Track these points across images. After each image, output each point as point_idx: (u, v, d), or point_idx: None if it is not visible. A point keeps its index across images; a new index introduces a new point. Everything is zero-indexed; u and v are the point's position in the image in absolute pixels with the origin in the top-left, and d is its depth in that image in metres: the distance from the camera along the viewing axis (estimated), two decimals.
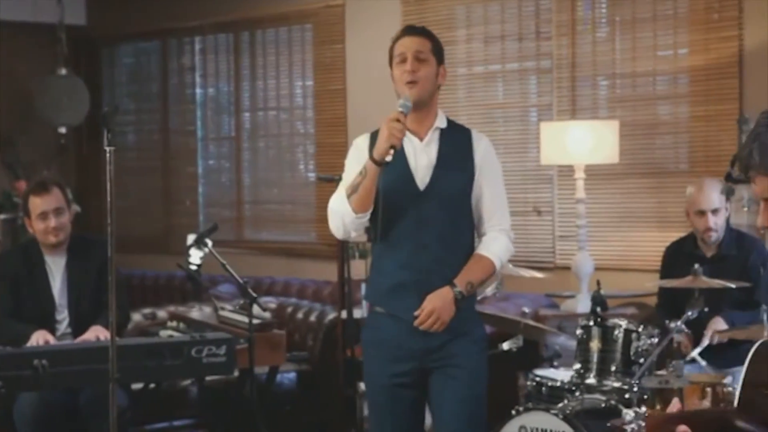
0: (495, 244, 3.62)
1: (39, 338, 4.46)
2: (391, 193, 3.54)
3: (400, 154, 3.49)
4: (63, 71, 8.19)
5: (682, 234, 5.09)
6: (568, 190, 6.17)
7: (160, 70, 8.61)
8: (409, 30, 3.65)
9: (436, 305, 3.48)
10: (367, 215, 3.53)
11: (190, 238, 4.95)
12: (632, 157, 6.16)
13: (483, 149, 3.64)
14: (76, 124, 8.32)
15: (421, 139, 3.59)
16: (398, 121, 3.39)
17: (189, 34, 8.29)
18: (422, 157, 3.58)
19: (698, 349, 4.41)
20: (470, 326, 3.63)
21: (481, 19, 6.79)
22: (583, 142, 5.68)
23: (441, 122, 3.63)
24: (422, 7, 6.98)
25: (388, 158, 3.38)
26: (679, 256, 4.85)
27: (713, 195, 4.77)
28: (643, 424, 2.07)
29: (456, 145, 3.62)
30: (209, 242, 4.90)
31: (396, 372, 3.58)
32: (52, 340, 4.49)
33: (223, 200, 8.30)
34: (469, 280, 3.54)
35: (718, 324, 4.52)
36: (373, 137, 3.54)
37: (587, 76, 6.37)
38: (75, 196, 7.70)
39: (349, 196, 3.50)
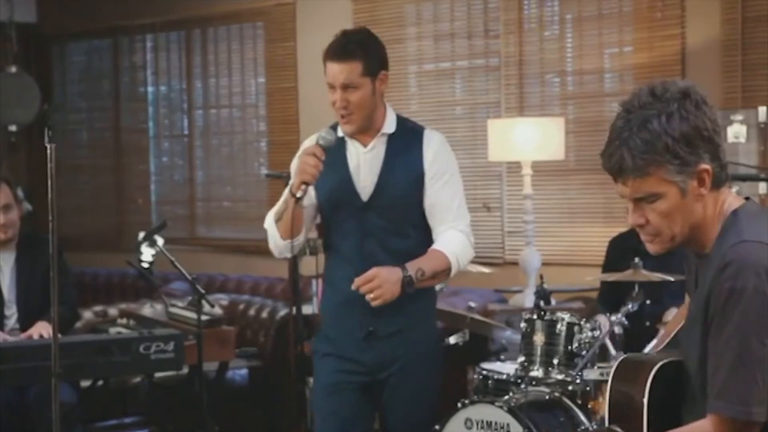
0: (451, 242, 3.43)
1: None
2: (334, 205, 3.44)
3: (342, 163, 3.39)
4: (13, 69, 8.14)
5: (626, 229, 5.18)
6: (517, 186, 6.25)
7: (111, 68, 8.58)
8: (335, 55, 3.39)
9: (380, 273, 3.26)
10: (299, 238, 3.42)
11: (141, 236, 4.97)
12: (579, 154, 6.26)
13: (434, 149, 3.47)
14: (27, 123, 8.27)
15: (365, 146, 3.46)
16: (314, 155, 3.25)
17: (140, 31, 8.28)
18: (365, 166, 3.44)
19: (655, 341, 4.50)
20: (426, 338, 3.52)
21: (431, 17, 6.85)
22: (530, 139, 5.75)
23: (388, 127, 3.47)
24: (372, 5, 7.03)
25: (299, 194, 3.25)
26: (623, 250, 4.92)
27: None
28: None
29: (404, 149, 3.45)
30: (159, 239, 4.91)
31: (346, 386, 3.49)
32: (1, 338, 4.48)
33: (175, 198, 8.30)
34: (420, 266, 3.33)
35: (673, 314, 4.62)
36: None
37: (535, 74, 6.46)
38: (26, 195, 7.67)
39: (276, 222, 3.40)
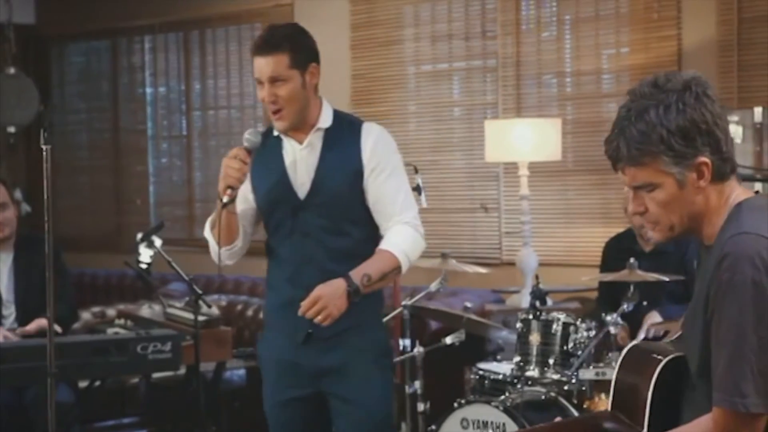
0: (397, 237, 3.26)
1: None
2: (271, 205, 3.32)
3: (278, 162, 3.28)
4: (12, 70, 8.15)
5: (623, 229, 5.19)
6: (514, 187, 6.26)
7: (110, 69, 8.60)
8: (260, 48, 3.23)
9: (324, 292, 3.10)
10: (236, 245, 3.32)
11: (139, 237, 4.98)
12: (576, 155, 6.28)
13: (372, 142, 3.30)
14: (26, 124, 8.28)
15: (301, 143, 3.31)
16: (238, 158, 3.12)
17: (139, 33, 8.29)
18: (302, 163, 3.29)
19: (633, 343, 4.51)
20: (371, 341, 3.34)
21: (429, 18, 6.87)
22: (527, 140, 5.77)
23: (324, 122, 3.31)
24: (370, 6, 7.05)
25: (225, 199, 3.14)
26: (619, 251, 4.94)
27: None
28: None
29: (341, 144, 3.30)
30: (158, 240, 4.92)
31: (293, 396, 3.34)
32: (1, 337, 4.49)
33: (174, 199, 8.32)
34: (365, 272, 3.17)
35: (654, 317, 4.64)
36: (264, 135, 3.31)
37: (532, 75, 6.47)
38: (25, 196, 7.70)
39: (211, 230, 3.30)
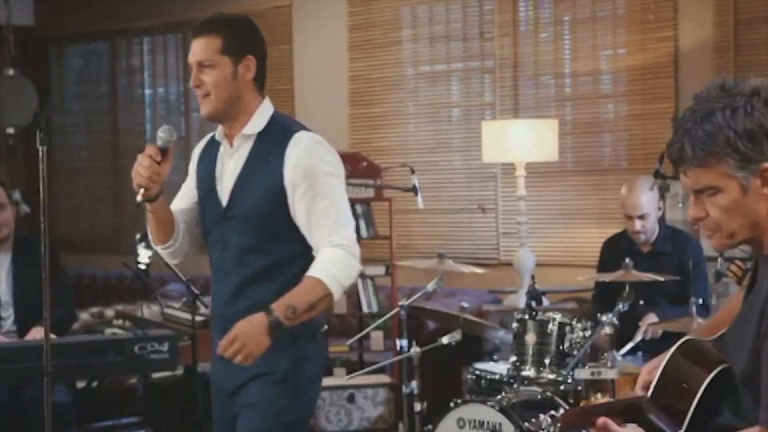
0: (324, 263, 2.89)
1: None
2: (203, 211, 3.11)
3: (211, 166, 3.07)
4: (11, 72, 8.16)
5: (620, 230, 5.21)
6: (511, 187, 6.28)
7: (108, 71, 8.62)
8: (196, 29, 3.03)
9: (241, 331, 2.81)
10: (174, 245, 3.12)
11: (138, 238, 4.99)
12: (573, 155, 6.30)
13: (297, 155, 2.91)
14: (25, 125, 8.29)
15: (232, 146, 3.04)
16: (149, 156, 2.90)
17: (137, 34, 8.31)
18: (229, 170, 3.03)
19: (630, 344, 4.53)
20: (274, 364, 2.96)
21: (427, 20, 6.90)
22: (523, 141, 5.78)
23: (254, 126, 2.99)
24: (368, 8, 7.07)
25: (139, 198, 2.93)
26: (616, 251, 4.95)
27: (641, 200, 4.83)
28: (559, 425, 2.10)
29: (267, 153, 2.96)
30: None
31: (219, 417, 3.14)
32: None
33: (173, 200, 8.31)
34: (290, 303, 2.84)
35: (651, 318, 4.66)
36: (209, 142, 3.15)
37: (529, 76, 6.49)
38: (24, 197, 7.71)
39: (148, 228, 3.14)
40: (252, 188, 2.97)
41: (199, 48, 2.97)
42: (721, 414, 2.12)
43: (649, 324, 4.63)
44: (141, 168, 2.90)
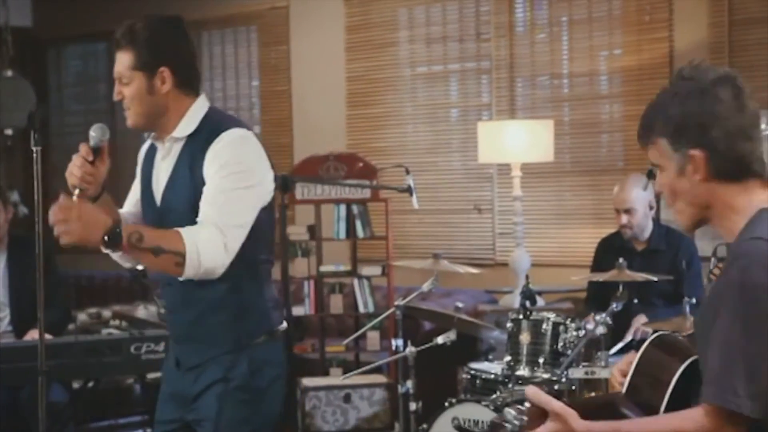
0: (196, 231, 2.75)
1: None
2: (143, 215, 3.05)
3: (147, 170, 3.02)
4: (9, 73, 8.17)
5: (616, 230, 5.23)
6: (507, 188, 6.30)
7: (106, 72, 8.60)
8: (115, 42, 2.95)
9: (80, 213, 2.69)
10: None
11: None
12: (570, 156, 6.32)
13: (216, 150, 2.84)
14: (23, 126, 8.30)
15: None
16: (81, 156, 2.84)
17: None
18: (161, 174, 2.98)
19: (620, 344, 4.55)
20: (231, 369, 2.89)
21: (424, 21, 6.92)
22: (519, 141, 5.80)
23: (184, 129, 2.91)
24: (365, 9, 7.09)
25: (75, 200, 2.79)
26: (611, 250, 4.97)
27: (630, 195, 4.89)
28: (525, 419, 2.11)
29: (193, 155, 2.89)
30: None
31: (165, 419, 3.04)
32: None
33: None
34: (140, 230, 2.72)
35: (641, 319, 4.68)
36: (151, 145, 3.08)
37: (526, 77, 6.51)
38: (22, 198, 7.73)
39: None
40: (180, 191, 2.89)
41: (117, 62, 2.92)
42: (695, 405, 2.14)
43: (640, 325, 4.65)
44: (73, 168, 2.83)
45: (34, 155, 2.95)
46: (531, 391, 2.10)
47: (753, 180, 2.11)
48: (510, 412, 2.13)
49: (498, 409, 4.16)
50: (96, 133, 2.87)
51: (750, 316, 1.97)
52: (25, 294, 4.72)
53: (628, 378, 2.23)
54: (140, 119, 2.92)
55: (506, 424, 2.12)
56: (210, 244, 2.73)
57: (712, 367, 2.02)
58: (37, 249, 2.95)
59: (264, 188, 2.90)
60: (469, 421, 4.26)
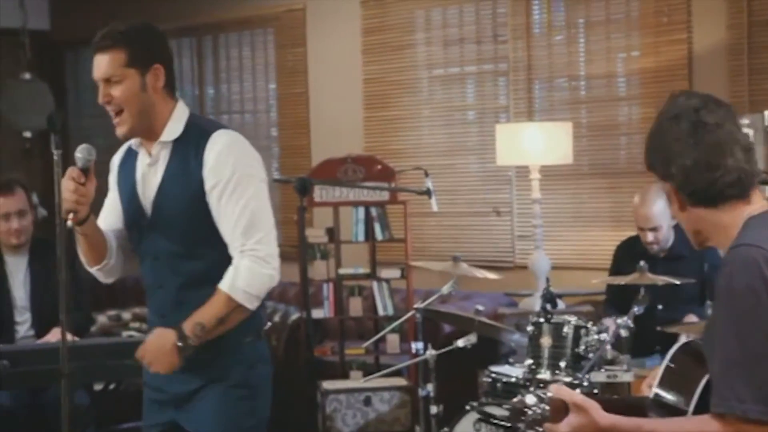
0: (232, 273, 2.89)
1: None
2: (128, 225, 3.07)
3: (130, 177, 3.04)
4: (27, 76, 8.21)
5: (635, 233, 5.21)
6: (526, 190, 6.28)
7: None
8: (97, 45, 2.98)
9: (148, 349, 2.91)
10: (108, 263, 3.07)
11: None
12: (588, 158, 6.30)
13: (216, 153, 2.90)
14: (41, 129, 8.33)
15: (150, 155, 3.01)
16: (72, 179, 2.88)
17: None
18: (150, 180, 3.00)
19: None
20: (225, 370, 2.97)
21: (440, 23, 6.91)
22: (538, 144, 5.79)
23: (171, 133, 2.96)
24: (382, 11, 7.08)
25: (69, 224, 2.87)
26: (632, 254, 4.94)
27: (653, 211, 4.84)
28: (547, 407, 2.14)
29: (186, 158, 2.94)
30: None
31: (154, 422, 3.08)
32: None
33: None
34: (198, 321, 2.86)
35: (691, 319, 4.67)
36: (127, 152, 3.13)
37: (543, 79, 6.50)
38: (41, 200, 7.75)
39: (79, 251, 3.08)
40: (173, 195, 2.94)
41: (104, 63, 2.94)
42: None
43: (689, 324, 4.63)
44: (67, 193, 2.87)
45: (55, 158, 2.97)
46: (554, 386, 2.16)
47: (731, 202, 2.15)
48: (531, 398, 2.14)
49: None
50: (82, 153, 2.92)
51: (740, 319, 2.01)
52: (47, 298, 4.73)
53: (656, 384, 2.25)
54: (135, 121, 2.94)
55: (527, 410, 2.12)
56: (250, 274, 2.87)
57: (714, 374, 2.06)
58: (58, 250, 2.96)
59: (264, 179, 3.01)
60: (491, 424, 4.26)
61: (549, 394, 2.12)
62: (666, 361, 2.28)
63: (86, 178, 2.92)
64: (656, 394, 2.24)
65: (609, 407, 2.10)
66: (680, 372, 2.25)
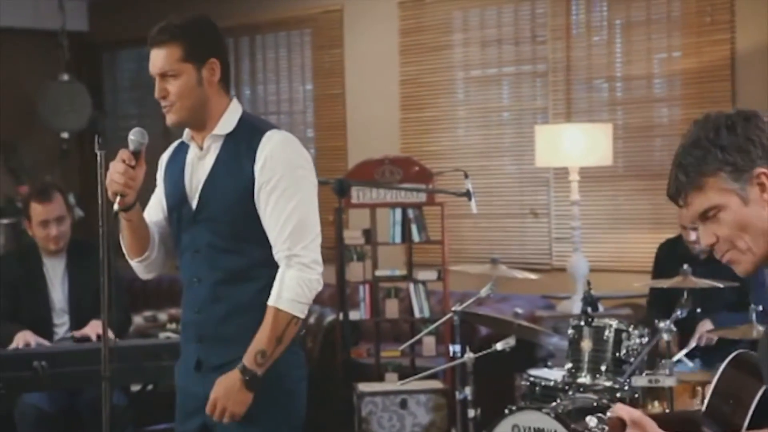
0: (279, 286, 2.85)
1: (20, 340, 4.49)
2: (171, 216, 3.04)
3: (179, 168, 3.02)
4: (65, 77, 8.26)
5: (675, 234, 5.15)
6: (564, 192, 6.23)
7: None
8: (153, 40, 2.96)
9: (218, 394, 2.84)
10: (150, 256, 3.06)
11: None
12: (627, 160, 6.24)
13: (268, 152, 2.87)
14: (79, 129, 8.39)
15: (201, 149, 2.98)
16: (124, 162, 2.86)
17: None
18: (198, 172, 2.97)
19: (684, 351, 4.47)
20: (261, 375, 2.90)
21: (478, 23, 6.86)
22: (577, 145, 5.74)
23: (223, 127, 2.94)
24: (419, 12, 7.05)
25: (116, 207, 2.86)
26: (672, 256, 4.89)
27: None
28: (606, 428, 2.13)
29: (237, 153, 2.91)
30: None
31: (187, 428, 3.03)
32: (33, 342, 4.50)
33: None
34: (259, 349, 2.82)
35: (706, 326, 4.59)
36: (176, 148, 3.11)
37: (582, 80, 6.44)
38: (78, 201, 7.79)
39: (122, 242, 3.06)
40: (222, 188, 2.91)
41: (160, 58, 2.92)
42: None
43: (705, 331, 4.57)
44: (116, 175, 2.85)
45: (99, 159, 2.95)
46: (615, 405, 2.12)
47: None
48: (593, 420, 2.13)
49: (559, 417, 4.11)
50: (135, 136, 2.89)
51: None
52: (85, 300, 4.73)
53: (707, 397, 2.20)
54: (184, 113, 2.92)
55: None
56: (296, 283, 2.84)
57: None
58: (101, 252, 2.95)
59: (315, 182, 2.98)
60: (530, 428, 4.22)
61: (608, 414, 2.10)
62: (719, 373, 2.23)
63: (137, 162, 2.90)
64: (709, 407, 2.19)
65: (663, 423, 2.06)
66: (734, 384, 2.20)
